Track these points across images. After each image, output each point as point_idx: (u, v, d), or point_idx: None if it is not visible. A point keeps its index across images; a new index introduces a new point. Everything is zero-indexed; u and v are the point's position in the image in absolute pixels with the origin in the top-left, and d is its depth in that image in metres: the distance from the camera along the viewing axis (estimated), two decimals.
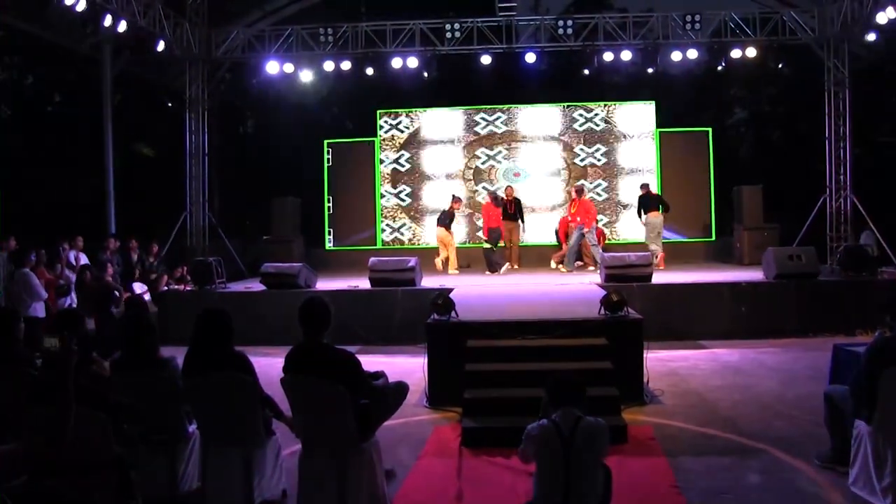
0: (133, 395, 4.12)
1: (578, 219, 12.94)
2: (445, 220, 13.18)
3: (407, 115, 16.20)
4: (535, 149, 15.98)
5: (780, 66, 15.72)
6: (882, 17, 11.84)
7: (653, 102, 16.03)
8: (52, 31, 13.00)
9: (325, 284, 11.20)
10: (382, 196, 16.06)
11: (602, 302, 7.01)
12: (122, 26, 11.93)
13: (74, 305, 10.20)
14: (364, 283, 10.67)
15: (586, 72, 15.18)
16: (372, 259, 10.83)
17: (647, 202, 13.33)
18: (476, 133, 16.08)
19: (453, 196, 13.61)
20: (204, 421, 4.36)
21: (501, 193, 14.01)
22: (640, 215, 13.44)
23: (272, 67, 14.53)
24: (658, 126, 15.83)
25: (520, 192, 14.59)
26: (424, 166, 16.08)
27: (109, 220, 14.24)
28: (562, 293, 9.54)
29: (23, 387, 3.66)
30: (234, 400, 4.24)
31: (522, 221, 13.82)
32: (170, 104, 17.36)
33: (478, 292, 9.83)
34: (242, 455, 4.23)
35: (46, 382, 3.36)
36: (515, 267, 13.46)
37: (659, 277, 10.88)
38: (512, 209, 13.48)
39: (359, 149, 16.35)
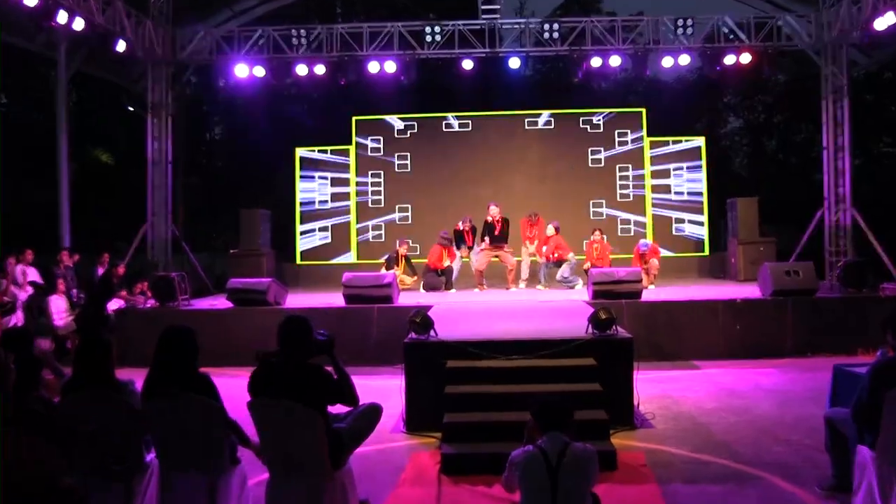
0: (86, 421, 4.04)
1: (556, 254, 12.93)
2: (392, 261, 13.30)
3: (384, 122, 16.23)
4: (520, 159, 16.06)
5: (775, 73, 15.94)
6: (880, 23, 12.04)
7: (643, 110, 16.19)
8: (1, 28, 12.87)
9: (296, 301, 11.15)
10: (358, 209, 16.07)
11: (590, 320, 7.01)
12: (79, 24, 11.83)
13: (20, 324, 10.04)
14: (338, 300, 10.63)
15: (573, 78, 15.27)
16: (346, 274, 10.78)
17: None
18: (456, 141, 16.15)
19: (402, 241, 13.75)
20: (164, 448, 4.29)
21: (494, 208, 13.38)
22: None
23: (241, 71, 14.47)
24: (648, 134, 15.99)
25: (503, 209, 14.54)
26: (400, 179, 16.12)
27: (63, 232, 14.06)
28: (547, 311, 9.54)
29: None
30: (198, 425, 4.18)
31: (470, 248, 13.41)
32: (131, 108, 17.26)
33: (458, 310, 9.81)
34: (206, 485, 4.16)
35: None
36: (513, 288, 13.17)
37: (649, 294, 10.95)
38: (498, 231, 13.03)
39: (333, 157, 16.34)
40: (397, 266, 13.22)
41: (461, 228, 13.35)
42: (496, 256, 13.12)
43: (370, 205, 16.17)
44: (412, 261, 13.70)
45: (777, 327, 10.06)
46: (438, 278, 12.88)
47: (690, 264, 15.69)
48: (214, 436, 4.19)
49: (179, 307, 10.81)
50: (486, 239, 13.08)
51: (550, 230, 13.14)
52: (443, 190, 15.95)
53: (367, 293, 10.41)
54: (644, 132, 15.98)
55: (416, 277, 13.34)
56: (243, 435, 4.40)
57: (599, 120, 16.05)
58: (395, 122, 16.28)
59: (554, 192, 15.84)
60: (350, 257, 16.03)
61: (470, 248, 13.29)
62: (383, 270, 12.72)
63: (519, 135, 16.17)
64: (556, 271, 12.93)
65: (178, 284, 10.93)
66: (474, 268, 13.19)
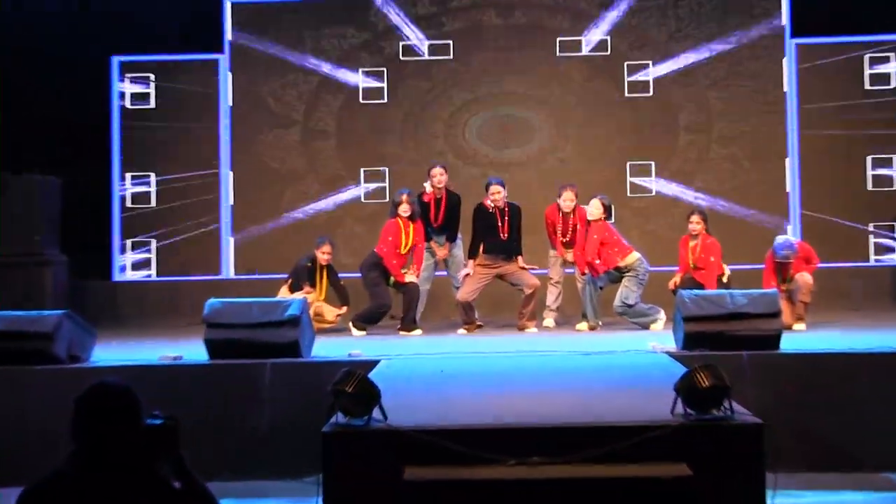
0: None
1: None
2: (303, 276, 13.37)
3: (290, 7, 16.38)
4: (549, 81, 16.21)
5: None
6: None
7: None
8: None
9: (112, 353, 11.15)
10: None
11: (678, 389, 7.02)
12: None
13: None
14: (195, 350, 10.64)
15: None
16: (211, 302, 10.75)
17: None
18: (430, 45, 16.31)
19: (323, 241, 13.77)
20: None
21: (496, 187, 13.42)
22: None
23: None
24: (793, 33, 16.12)
25: (513, 179, 14.66)
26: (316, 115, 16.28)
27: None
28: (596, 372, 9.58)
29: None
30: None
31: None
32: None
33: (426, 370, 9.84)
34: None
35: None
36: (531, 329, 13.09)
37: (796, 340, 10.97)
38: (506, 231, 13.25)
39: (190, 75, 16.37)
40: (313, 287, 13.19)
41: (424, 194, 13.60)
42: (498, 276, 13.24)
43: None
44: (340, 277, 13.71)
45: None
46: (389, 291, 12.99)
47: (876, 284, 15.81)
48: None
49: None
50: (481, 246, 13.20)
51: (594, 209, 13.11)
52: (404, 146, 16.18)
53: (250, 337, 10.40)
54: (787, 29, 16.10)
55: (345, 309, 13.32)
56: None
57: (700, 8, 16.19)
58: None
59: (604, 152, 16.11)
60: (223, 269, 16.03)
61: (447, 234, 13.53)
62: (284, 293, 12.75)
63: (544, 33, 16.30)
64: (614, 293, 12.96)
65: None
66: (459, 296, 13.23)
